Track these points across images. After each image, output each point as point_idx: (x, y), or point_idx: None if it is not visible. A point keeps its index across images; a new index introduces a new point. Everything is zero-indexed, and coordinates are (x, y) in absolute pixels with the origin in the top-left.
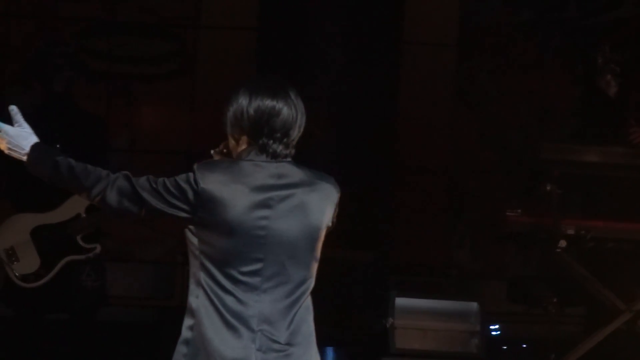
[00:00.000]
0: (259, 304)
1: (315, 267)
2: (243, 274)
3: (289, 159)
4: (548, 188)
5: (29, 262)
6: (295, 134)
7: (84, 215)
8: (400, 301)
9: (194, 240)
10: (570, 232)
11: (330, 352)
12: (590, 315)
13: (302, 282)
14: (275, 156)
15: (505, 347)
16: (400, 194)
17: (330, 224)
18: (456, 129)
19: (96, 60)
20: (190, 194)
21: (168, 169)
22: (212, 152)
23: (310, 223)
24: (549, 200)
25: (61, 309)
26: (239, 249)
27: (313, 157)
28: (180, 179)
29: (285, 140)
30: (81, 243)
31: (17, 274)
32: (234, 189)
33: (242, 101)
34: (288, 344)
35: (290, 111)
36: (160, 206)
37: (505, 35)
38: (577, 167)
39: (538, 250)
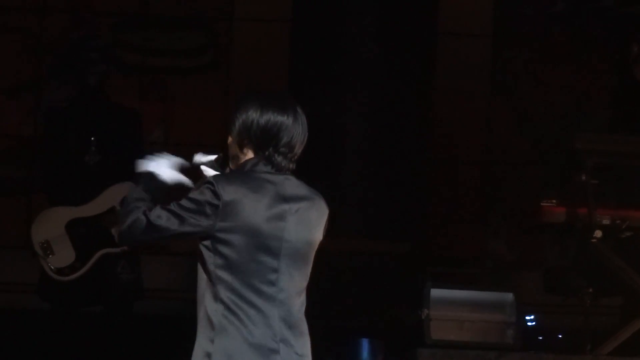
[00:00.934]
0: (277, 314)
1: (308, 277)
2: (262, 283)
3: (290, 173)
4: (583, 178)
5: (64, 255)
6: (298, 149)
7: (119, 208)
8: (436, 292)
9: (210, 254)
10: (606, 222)
11: (365, 343)
12: (625, 305)
13: (303, 292)
14: (279, 169)
15: (540, 338)
16: (435, 185)
17: (321, 238)
18: (491, 119)
19: (130, 53)
20: (210, 208)
21: None
22: (198, 158)
23: (312, 236)
24: (584, 191)
25: (96, 302)
26: (258, 259)
27: (349, 150)
28: (198, 194)
29: (290, 154)
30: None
31: (52, 268)
32: (253, 200)
33: (252, 112)
34: (302, 354)
35: (297, 127)
36: (183, 228)
37: (540, 25)
38: (612, 157)
39: (573, 241)
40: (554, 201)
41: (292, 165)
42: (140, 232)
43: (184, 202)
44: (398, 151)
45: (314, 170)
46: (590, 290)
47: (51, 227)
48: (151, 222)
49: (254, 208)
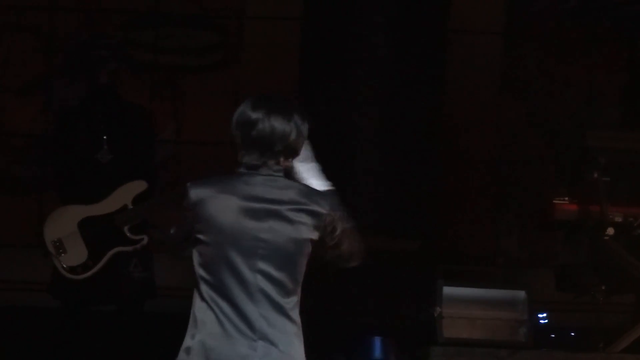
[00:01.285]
0: (257, 312)
1: (299, 279)
2: (239, 281)
3: (278, 174)
4: (595, 176)
5: (76, 253)
6: (280, 149)
7: (131, 207)
8: (448, 290)
9: (195, 253)
10: (618, 219)
11: (377, 341)
12: (638, 302)
13: (292, 293)
14: (250, 167)
15: (553, 336)
16: (447, 182)
17: (327, 240)
18: (503, 116)
19: (141, 51)
20: (186, 211)
21: (213, 160)
22: None
23: (295, 238)
24: (596, 188)
25: (109, 301)
26: (232, 258)
27: (359, 148)
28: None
29: (267, 153)
30: (128, 234)
31: (64, 266)
32: (223, 199)
33: (236, 111)
34: (284, 351)
35: (266, 124)
36: (180, 234)
37: (551, 22)
38: (624, 154)
39: (586, 238)
40: (566, 199)
41: (277, 167)
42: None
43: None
44: (410, 149)
45: (325, 168)
46: (603, 287)
47: (63, 225)
48: (165, 235)
49: (222, 208)
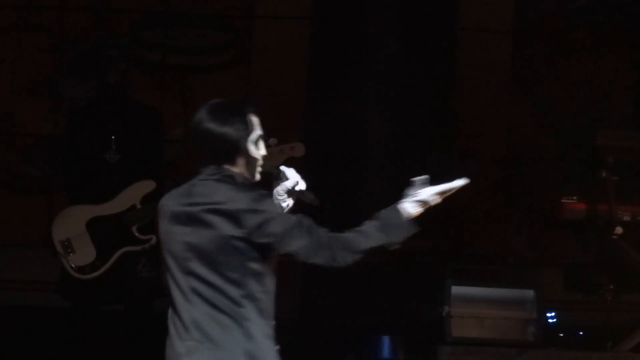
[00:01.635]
0: (190, 316)
1: (235, 276)
2: (177, 285)
3: (213, 177)
4: (603, 175)
5: (84, 253)
6: (217, 153)
7: (139, 207)
8: (457, 289)
9: None
10: (627, 218)
11: (386, 340)
12: None
13: (224, 290)
14: (198, 173)
15: (561, 335)
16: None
17: (257, 237)
18: (512, 115)
19: (151, 51)
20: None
21: None
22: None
23: (214, 237)
24: (605, 187)
25: (117, 300)
26: (169, 264)
27: (370, 146)
28: None
29: (206, 157)
30: (136, 234)
31: (73, 266)
32: (163, 208)
33: None
34: (220, 346)
35: (203, 129)
36: None
37: (561, 21)
38: (633, 153)
39: (594, 237)
40: (575, 198)
41: (211, 168)
42: None
43: None
44: (419, 147)
45: (336, 168)
46: (611, 286)
47: (72, 225)
48: None
49: (162, 216)
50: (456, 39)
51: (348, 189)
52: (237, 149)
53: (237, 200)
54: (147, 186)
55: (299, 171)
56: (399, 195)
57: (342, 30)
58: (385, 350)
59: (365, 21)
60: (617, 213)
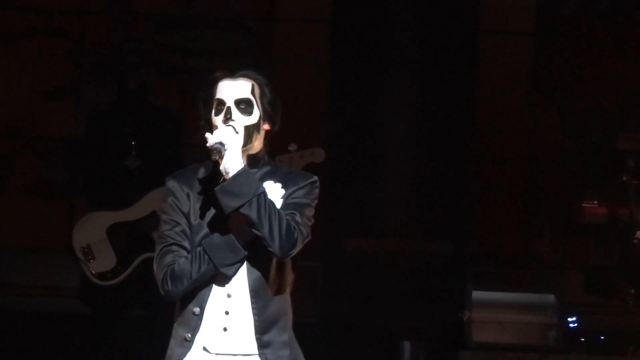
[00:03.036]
0: None
1: None
2: None
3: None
4: (624, 178)
5: (105, 260)
6: None
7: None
8: (477, 294)
9: None
10: None
11: (407, 345)
12: None
13: None
14: None
15: (582, 339)
16: (478, 184)
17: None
18: (534, 117)
19: (171, 55)
20: None
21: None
22: None
23: None
24: (626, 191)
25: (138, 306)
26: None
27: (391, 150)
28: None
29: None
30: None
31: (93, 272)
32: None
33: None
34: None
35: None
36: None
37: (583, 22)
38: None
39: (615, 241)
40: (595, 202)
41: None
42: None
43: None
44: (441, 150)
45: (356, 170)
46: (633, 290)
47: (92, 231)
48: None
49: None
50: (477, 41)
51: (368, 192)
52: None
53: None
54: None
55: (319, 175)
56: (420, 197)
57: (362, 32)
58: (406, 355)
59: (385, 23)
60: (638, 217)
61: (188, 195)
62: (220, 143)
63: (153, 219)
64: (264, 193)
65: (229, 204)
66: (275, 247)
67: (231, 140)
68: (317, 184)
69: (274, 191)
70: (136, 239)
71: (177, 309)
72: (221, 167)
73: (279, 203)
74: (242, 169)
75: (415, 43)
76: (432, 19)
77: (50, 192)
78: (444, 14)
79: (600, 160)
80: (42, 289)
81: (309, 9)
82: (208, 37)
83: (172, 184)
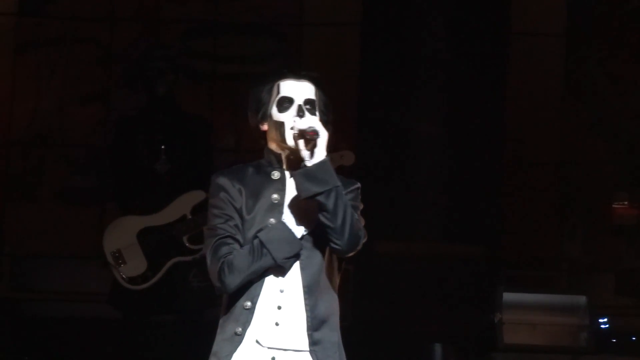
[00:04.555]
0: None
1: None
2: None
3: None
4: None
5: (135, 264)
6: None
7: (190, 217)
8: (508, 296)
9: None
10: None
11: (438, 348)
12: None
13: None
14: None
15: (614, 340)
16: (510, 186)
17: None
18: (566, 119)
19: (200, 60)
20: None
21: None
22: None
23: None
24: None
25: (169, 311)
26: None
27: (422, 153)
28: None
29: None
30: (187, 244)
31: (124, 277)
32: None
33: None
34: None
35: None
36: None
37: (614, 22)
38: None
39: None
40: (627, 203)
41: None
42: None
43: None
44: (472, 153)
45: (386, 174)
46: None
47: (123, 236)
48: None
49: None
50: (508, 43)
51: (399, 195)
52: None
53: None
54: (197, 196)
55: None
56: (450, 200)
57: (392, 36)
58: (437, 358)
59: (415, 26)
60: None
61: (240, 191)
62: (315, 130)
63: (183, 223)
64: (341, 187)
65: (310, 188)
66: (343, 241)
67: (322, 129)
68: (360, 190)
69: None
70: (166, 243)
71: (223, 304)
72: (303, 153)
73: None
74: (326, 158)
75: (446, 46)
76: (462, 21)
77: (80, 199)
78: (474, 16)
79: (632, 161)
80: (73, 294)
81: (338, 12)
82: (237, 42)
83: (223, 180)
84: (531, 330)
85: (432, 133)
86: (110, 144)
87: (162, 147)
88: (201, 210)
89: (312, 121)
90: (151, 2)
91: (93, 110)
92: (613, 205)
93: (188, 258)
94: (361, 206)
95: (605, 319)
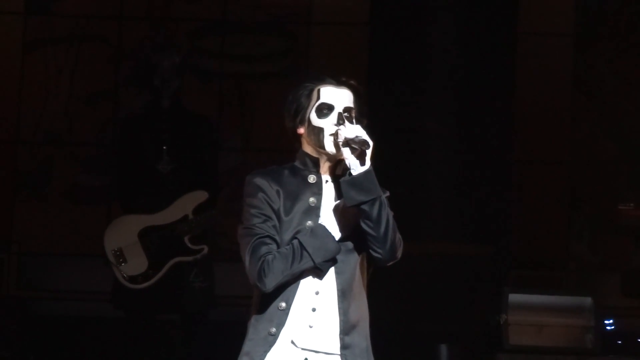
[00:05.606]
0: None
1: None
2: None
3: None
4: None
5: (136, 263)
6: None
7: (192, 217)
8: (514, 297)
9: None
10: None
11: (443, 348)
12: None
13: None
14: None
15: (620, 342)
16: (518, 186)
17: None
18: (574, 119)
19: (208, 59)
20: None
21: None
22: None
23: None
24: None
25: (170, 310)
26: None
27: (431, 153)
28: None
29: None
30: (188, 244)
31: (125, 276)
32: None
33: None
34: None
35: None
36: None
37: (623, 21)
38: None
39: None
40: (632, 204)
41: None
42: None
43: None
44: (480, 153)
45: (395, 174)
46: None
47: (124, 235)
48: None
49: None
50: (516, 43)
51: (408, 195)
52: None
53: None
54: (199, 196)
55: None
56: (458, 200)
57: (400, 35)
58: (443, 358)
59: (424, 26)
60: None
61: (278, 193)
62: (365, 140)
63: (184, 224)
64: (384, 196)
65: (356, 197)
66: (384, 250)
67: (369, 139)
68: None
69: None
70: (168, 243)
71: (254, 304)
72: (350, 162)
73: None
74: (370, 167)
75: (454, 46)
76: (471, 21)
77: (89, 198)
78: (483, 16)
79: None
80: (81, 293)
81: (346, 12)
82: (245, 41)
83: (260, 180)
84: (537, 331)
85: (440, 132)
86: (115, 142)
87: (165, 147)
88: (203, 210)
89: (358, 130)
90: (160, 0)
91: (101, 108)
92: (621, 206)
93: (189, 258)
94: (392, 213)
95: (611, 320)
